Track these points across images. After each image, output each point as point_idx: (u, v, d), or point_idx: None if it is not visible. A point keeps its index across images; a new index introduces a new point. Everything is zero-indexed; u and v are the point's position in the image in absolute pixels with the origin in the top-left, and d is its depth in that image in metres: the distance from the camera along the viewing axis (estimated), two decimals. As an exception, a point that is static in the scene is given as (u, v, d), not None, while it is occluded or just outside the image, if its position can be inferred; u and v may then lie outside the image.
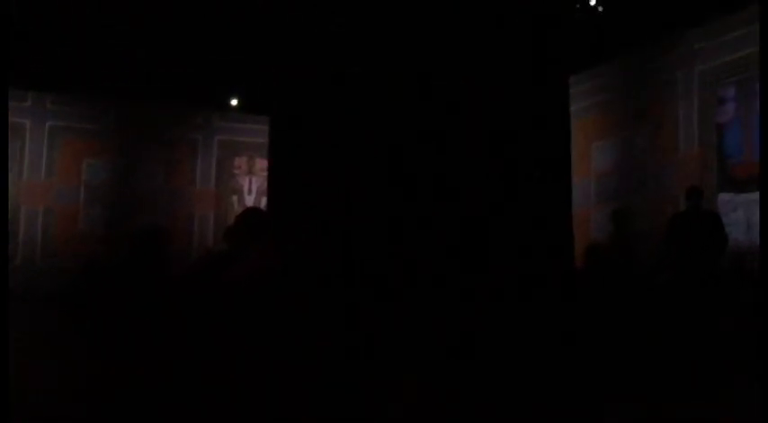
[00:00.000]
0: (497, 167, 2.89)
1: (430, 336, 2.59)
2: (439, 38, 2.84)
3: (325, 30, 2.85)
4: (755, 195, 7.65)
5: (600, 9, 7.87)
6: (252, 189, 12.92)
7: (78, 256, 10.02)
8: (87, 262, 7.85)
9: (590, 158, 10.40)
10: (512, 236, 2.86)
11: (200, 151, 12.57)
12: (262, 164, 12.20)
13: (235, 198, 12.80)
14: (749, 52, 7.89)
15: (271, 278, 2.81)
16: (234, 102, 12.24)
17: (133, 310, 3.30)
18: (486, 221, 2.82)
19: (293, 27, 2.97)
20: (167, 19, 8.47)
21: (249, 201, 12.75)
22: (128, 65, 9.95)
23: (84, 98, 11.41)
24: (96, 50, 9.38)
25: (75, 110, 11.48)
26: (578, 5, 7.79)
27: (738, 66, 8.09)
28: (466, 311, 2.69)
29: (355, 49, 2.83)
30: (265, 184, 10.44)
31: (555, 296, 2.93)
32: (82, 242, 11.04)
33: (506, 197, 2.88)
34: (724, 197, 8.12)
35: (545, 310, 2.86)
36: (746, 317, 5.79)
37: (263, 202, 11.17)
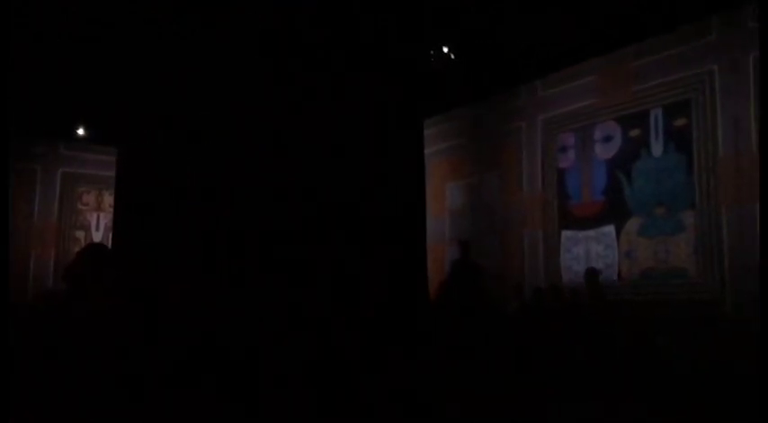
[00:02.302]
0: (352, 206, 2.91)
1: (282, 374, 2.53)
2: (292, 80, 2.85)
3: (177, 61, 2.77)
4: (592, 232, 8.34)
5: (452, 56, 8.30)
6: (100, 225, 12.17)
7: None
8: None
9: (444, 198, 10.81)
10: (367, 275, 2.88)
11: (40, 183, 11.69)
12: (111, 200, 11.53)
13: (82, 234, 11.99)
14: (589, 102, 8.66)
15: (111, 318, 2.64)
16: (80, 131, 11.49)
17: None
18: (341, 260, 2.82)
19: (142, 55, 2.86)
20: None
21: (97, 237, 11.99)
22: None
23: None
24: None
25: None
26: (432, 52, 8.16)
27: (578, 114, 8.82)
28: (324, 350, 2.66)
29: (209, 84, 2.77)
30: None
31: (410, 332, 2.98)
32: None
33: (361, 238, 2.90)
34: (566, 234, 8.77)
35: (401, 346, 2.89)
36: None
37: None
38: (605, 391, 5.98)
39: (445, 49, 8.17)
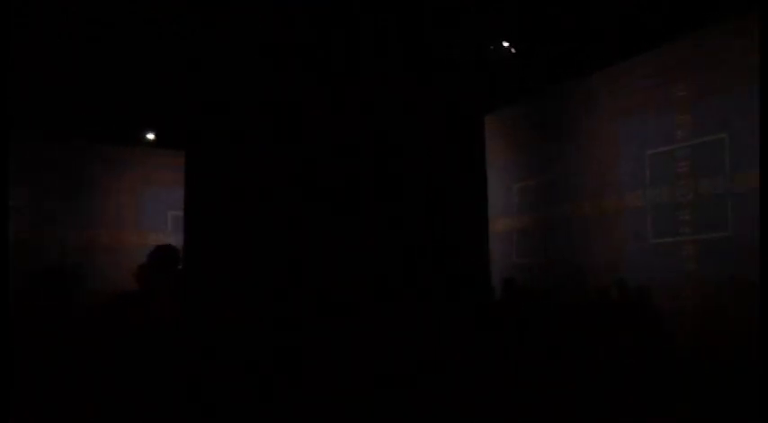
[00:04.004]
0: (412, 211, 2.89)
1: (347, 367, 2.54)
2: (353, 76, 2.85)
3: (234, 63, 2.81)
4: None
5: (513, 50, 8.16)
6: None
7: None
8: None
9: (511, 198, 10.63)
10: (428, 282, 2.86)
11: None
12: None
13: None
14: (659, 92, 8.41)
15: (176, 318, 2.68)
16: (150, 135, 11.87)
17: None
18: (405, 263, 2.81)
19: (206, 55, 2.91)
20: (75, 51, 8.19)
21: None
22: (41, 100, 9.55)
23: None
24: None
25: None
26: (492, 47, 8.05)
27: (650, 103, 8.56)
28: (386, 344, 2.65)
29: (272, 85, 2.79)
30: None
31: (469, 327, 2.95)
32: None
33: (424, 244, 2.88)
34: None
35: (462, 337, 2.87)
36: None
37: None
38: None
39: (505, 43, 8.04)
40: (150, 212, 12.26)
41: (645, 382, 6.19)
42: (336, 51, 2.84)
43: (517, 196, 10.64)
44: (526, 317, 6.31)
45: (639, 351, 6.65)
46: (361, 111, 2.84)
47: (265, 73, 2.78)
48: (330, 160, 2.73)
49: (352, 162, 2.79)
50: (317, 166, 2.72)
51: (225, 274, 2.64)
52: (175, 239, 12.10)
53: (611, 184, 9.06)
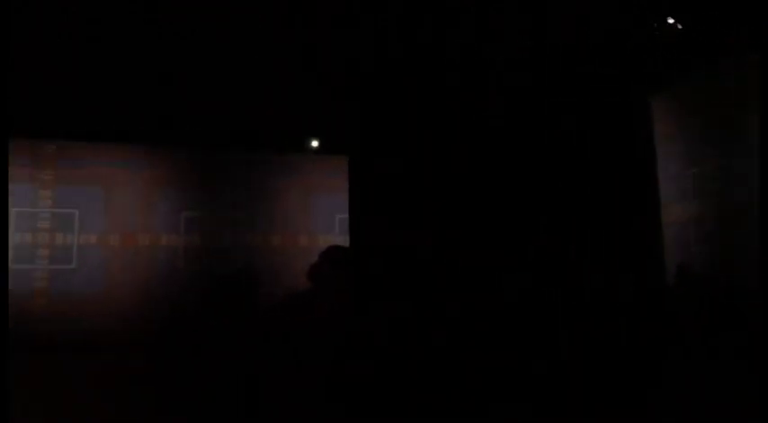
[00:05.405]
0: (582, 200, 2.81)
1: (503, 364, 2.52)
2: (518, 62, 2.82)
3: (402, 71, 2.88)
4: None
5: (679, 27, 7.61)
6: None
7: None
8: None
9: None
10: (597, 265, 2.76)
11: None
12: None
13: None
14: None
15: (347, 316, 2.80)
16: (314, 143, 12.49)
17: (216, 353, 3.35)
18: (574, 250, 2.74)
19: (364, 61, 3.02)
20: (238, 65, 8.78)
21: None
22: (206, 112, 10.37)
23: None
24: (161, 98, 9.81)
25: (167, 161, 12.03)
26: (656, 24, 7.56)
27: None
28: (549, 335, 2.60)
29: (433, 84, 2.84)
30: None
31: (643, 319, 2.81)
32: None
33: (590, 224, 2.79)
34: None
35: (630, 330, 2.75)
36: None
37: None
38: None
39: (671, 20, 7.52)
40: (319, 216, 12.85)
41: None
42: (490, 47, 2.84)
43: (693, 182, 9.93)
44: (707, 307, 5.87)
45: None
46: (520, 107, 2.81)
47: (426, 81, 2.83)
48: (494, 161, 2.73)
49: (517, 159, 2.76)
50: (480, 167, 2.72)
51: (389, 272, 2.72)
52: (343, 241, 12.54)
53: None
